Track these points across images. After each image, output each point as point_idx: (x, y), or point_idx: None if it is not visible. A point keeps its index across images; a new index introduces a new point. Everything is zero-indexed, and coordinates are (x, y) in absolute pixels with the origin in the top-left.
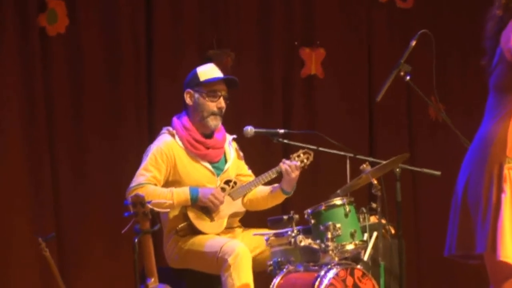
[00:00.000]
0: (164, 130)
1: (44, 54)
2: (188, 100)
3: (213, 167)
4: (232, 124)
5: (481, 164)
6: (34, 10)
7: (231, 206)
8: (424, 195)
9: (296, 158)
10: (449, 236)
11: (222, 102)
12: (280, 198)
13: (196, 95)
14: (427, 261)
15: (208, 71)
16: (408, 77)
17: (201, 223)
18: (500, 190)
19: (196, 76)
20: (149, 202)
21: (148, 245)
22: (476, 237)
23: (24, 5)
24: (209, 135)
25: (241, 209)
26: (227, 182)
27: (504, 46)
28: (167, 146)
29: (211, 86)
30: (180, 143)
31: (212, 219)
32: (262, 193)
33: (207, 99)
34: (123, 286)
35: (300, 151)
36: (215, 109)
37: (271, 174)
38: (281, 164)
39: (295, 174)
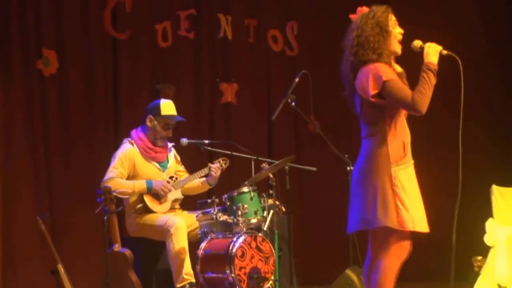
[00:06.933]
0: (125, 140)
1: (41, 88)
2: (148, 123)
3: (160, 165)
4: (173, 135)
5: (370, 170)
6: (34, 57)
7: (173, 194)
8: (308, 184)
9: (217, 163)
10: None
11: (170, 132)
12: (206, 188)
13: (155, 123)
14: (308, 230)
15: (168, 108)
16: (293, 103)
17: (153, 205)
18: (392, 185)
19: (158, 108)
20: (114, 191)
21: (113, 221)
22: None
23: (26, 53)
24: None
25: (180, 196)
26: (171, 177)
27: (365, 96)
28: (128, 151)
29: (168, 120)
30: (137, 149)
31: (160, 203)
32: (195, 184)
33: (162, 129)
34: (96, 250)
35: (220, 158)
36: (164, 135)
37: (201, 172)
38: (208, 165)
39: (217, 173)
